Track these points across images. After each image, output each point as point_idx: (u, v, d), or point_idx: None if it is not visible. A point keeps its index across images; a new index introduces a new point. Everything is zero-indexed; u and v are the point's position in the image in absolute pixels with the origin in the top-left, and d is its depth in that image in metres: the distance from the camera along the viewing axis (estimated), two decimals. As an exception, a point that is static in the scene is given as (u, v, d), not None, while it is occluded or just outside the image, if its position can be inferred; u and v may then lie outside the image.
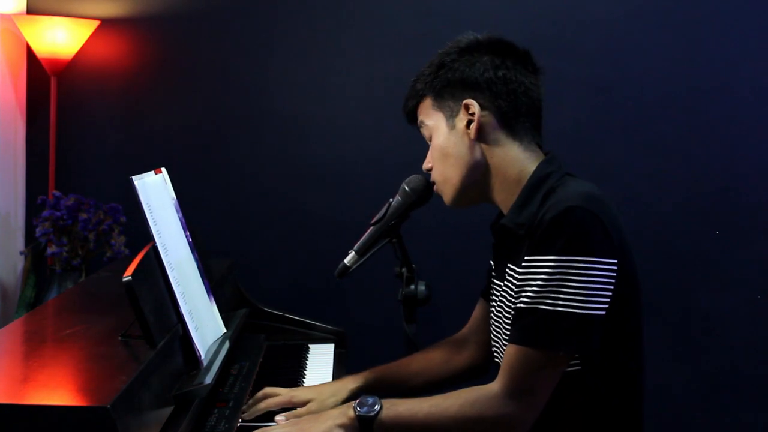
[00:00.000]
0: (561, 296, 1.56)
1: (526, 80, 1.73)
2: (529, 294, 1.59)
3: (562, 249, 1.56)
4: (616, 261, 1.59)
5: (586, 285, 1.56)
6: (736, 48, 3.09)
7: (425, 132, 1.80)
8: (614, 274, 1.59)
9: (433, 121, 1.77)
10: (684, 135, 3.11)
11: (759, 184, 3.11)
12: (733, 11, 3.08)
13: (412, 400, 1.66)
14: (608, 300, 1.58)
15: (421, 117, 1.80)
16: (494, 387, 1.62)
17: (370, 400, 1.64)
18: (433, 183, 1.82)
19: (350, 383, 1.88)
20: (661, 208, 3.12)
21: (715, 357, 3.13)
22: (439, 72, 1.75)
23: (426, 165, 1.82)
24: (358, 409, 1.63)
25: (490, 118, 1.72)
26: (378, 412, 1.62)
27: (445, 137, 1.75)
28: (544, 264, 1.58)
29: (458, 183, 1.75)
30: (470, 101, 1.71)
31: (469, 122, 1.72)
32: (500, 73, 1.71)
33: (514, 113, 1.72)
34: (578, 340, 1.58)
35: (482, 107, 1.71)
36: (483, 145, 1.73)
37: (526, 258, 1.62)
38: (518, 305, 1.61)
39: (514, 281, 1.68)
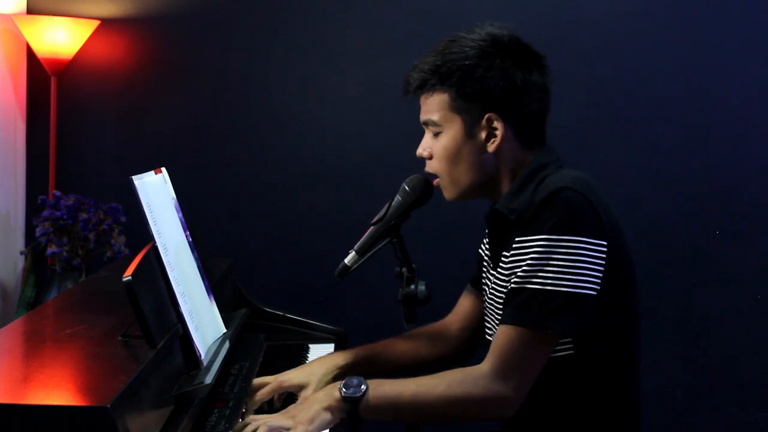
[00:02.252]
0: (549, 275, 1.57)
1: (546, 97, 1.74)
2: (518, 274, 1.60)
3: (551, 228, 1.57)
4: (605, 243, 1.59)
5: (575, 264, 1.57)
6: (736, 48, 3.09)
7: (432, 127, 1.77)
8: (604, 256, 1.59)
9: (445, 120, 1.73)
10: (684, 135, 3.11)
11: (759, 184, 3.11)
12: (733, 11, 3.08)
13: (399, 381, 1.67)
14: (598, 281, 1.59)
15: (428, 107, 1.76)
16: (482, 367, 1.62)
17: (356, 381, 1.64)
18: (434, 177, 1.81)
19: (339, 360, 1.88)
20: (661, 208, 3.11)
21: (715, 357, 3.13)
22: (468, 75, 1.69)
23: (422, 152, 1.80)
24: (344, 390, 1.63)
25: (510, 134, 1.72)
26: (364, 392, 1.62)
27: (461, 143, 1.73)
28: (533, 244, 1.59)
29: (467, 186, 1.76)
30: (495, 116, 1.70)
31: (489, 136, 1.71)
32: (527, 90, 1.71)
33: (533, 129, 1.74)
34: (566, 318, 1.58)
35: (504, 124, 1.71)
36: (498, 156, 1.73)
37: (516, 239, 1.63)
38: (510, 286, 1.62)
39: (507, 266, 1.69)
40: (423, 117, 1.78)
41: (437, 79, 1.73)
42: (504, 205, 1.71)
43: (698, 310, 3.13)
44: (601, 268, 1.59)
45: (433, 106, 1.75)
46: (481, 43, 1.72)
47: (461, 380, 1.62)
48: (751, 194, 3.11)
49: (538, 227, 1.58)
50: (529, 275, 1.58)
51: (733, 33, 3.09)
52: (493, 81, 1.70)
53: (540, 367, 1.62)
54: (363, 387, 1.63)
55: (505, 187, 1.75)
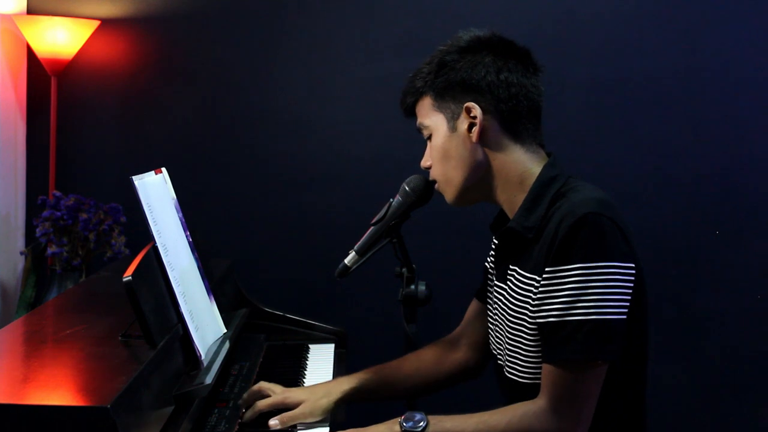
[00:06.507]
0: (589, 304, 1.56)
1: (527, 82, 1.72)
2: (556, 307, 1.59)
3: (583, 257, 1.56)
4: (634, 265, 1.59)
5: (610, 290, 1.56)
6: (736, 48, 3.09)
7: (424, 131, 1.79)
8: (633, 278, 1.59)
9: (433, 122, 1.76)
10: (684, 135, 3.11)
11: (759, 184, 3.11)
12: (733, 11, 3.08)
13: (459, 417, 1.66)
14: (628, 303, 1.59)
15: (419, 115, 1.79)
16: (540, 402, 1.61)
17: (417, 416, 1.64)
18: (434, 182, 1.82)
19: (344, 384, 1.87)
20: (661, 208, 3.11)
21: (715, 357, 3.13)
22: (441, 72, 1.73)
23: (425, 163, 1.81)
24: (404, 424, 1.63)
25: (492, 122, 1.71)
26: (424, 428, 1.63)
27: (447, 139, 1.74)
28: (566, 274, 1.57)
29: (460, 184, 1.75)
30: (472, 104, 1.70)
31: (471, 125, 1.71)
32: (502, 76, 1.70)
33: (515, 116, 1.72)
34: (611, 345, 1.57)
35: (484, 111, 1.70)
36: (485, 148, 1.72)
37: (547, 269, 1.60)
38: (548, 319, 1.60)
39: (519, 284, 1.68)
40: (417, 125, 1.80)
41: (420, 83, 1.76)
42: (519, 223, 1.69)
43: (698, 310, 3.13)
44: (631, 290, 1.59)
45: (421, 112, 1.78)
46: (459, 44, 1.75)
47: (522, 416, 1.61)
48: (751, 194, 3.11)
49: (570, 257, 1.57)
50: (568, 307, 1.57)
51: (733, 33, 3.09)
52: (462, 72, 1.71)
53: (596, 394, 1.60)
54: (423, 423, 1.63)
55: (499, 186, 1.74)
